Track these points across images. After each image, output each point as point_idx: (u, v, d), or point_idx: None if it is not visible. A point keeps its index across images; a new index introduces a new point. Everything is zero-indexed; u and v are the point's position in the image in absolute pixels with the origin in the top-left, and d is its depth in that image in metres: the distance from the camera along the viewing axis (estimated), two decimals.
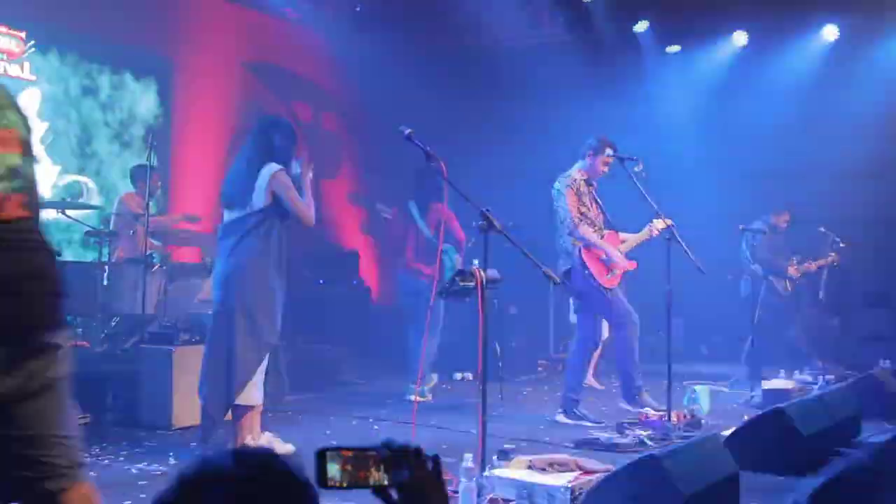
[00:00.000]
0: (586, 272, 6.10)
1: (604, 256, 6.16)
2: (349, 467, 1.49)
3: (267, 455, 1.37)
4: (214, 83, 9.47)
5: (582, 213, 6.18)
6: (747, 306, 7.97)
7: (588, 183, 6.31)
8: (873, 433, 5.31)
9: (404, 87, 10.11)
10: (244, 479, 1.32)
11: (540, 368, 9.28)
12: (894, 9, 9.06)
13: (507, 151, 10.27)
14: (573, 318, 8.19)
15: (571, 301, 8.45)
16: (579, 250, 6.12)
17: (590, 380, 8.08)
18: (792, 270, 8.22)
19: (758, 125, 9.57)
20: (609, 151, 6.22)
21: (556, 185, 6.26)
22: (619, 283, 6.34)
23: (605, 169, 6.29)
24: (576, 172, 6.28)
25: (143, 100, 9.27)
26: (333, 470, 1.49)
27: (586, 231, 6.10)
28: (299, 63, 10.30)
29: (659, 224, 6.26)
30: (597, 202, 6.37)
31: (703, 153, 9.88)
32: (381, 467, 1.50)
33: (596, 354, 8.17)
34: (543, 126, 9.91)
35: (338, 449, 1.51)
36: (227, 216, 5.00)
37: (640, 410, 5.95)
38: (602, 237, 6.24)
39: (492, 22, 10.38)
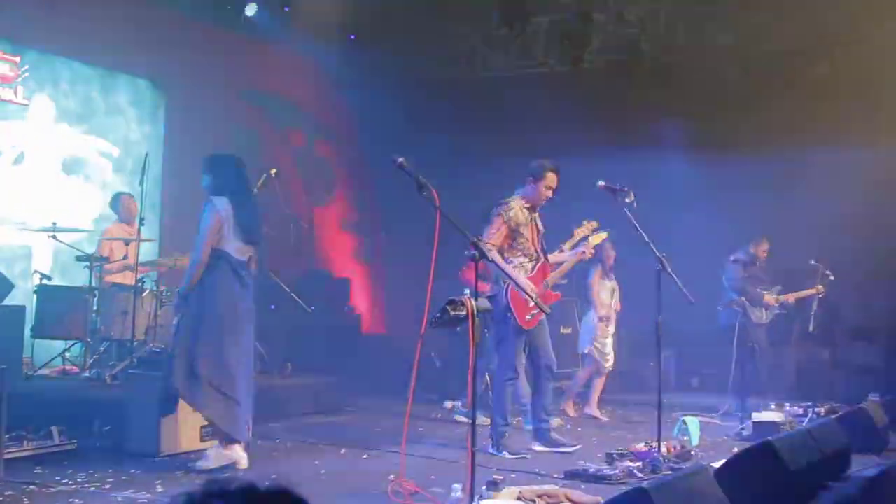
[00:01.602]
0: (509, 314, 5.97)
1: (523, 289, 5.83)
2: None
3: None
4: (210, 110, 9.47)
5: (515, 242, 6.00)
6: (729, 336, 7.97)
7: (531, 210, 6.13)
8: (862, 467, 5.30)
9: (398, 115, 10.16)
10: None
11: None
12: None
13: (500, 180, 10.28)
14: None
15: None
16: (508, 286, 5.96)
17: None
18: (768, 299, 8.20)
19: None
20: (552, 176, 6.07)
21: (492, 211, 6.10)
22: (540, 324, 6.16)
23: (549, 194, 6.11)
24: (514, 201, 6.07)
25: (137, 126, 9.29)
26: None
27: (496, 257, 5.74)
28: (293, 90, 10.34)
29: (594, 241, 6.36)
30: (538, 230, 6.21)
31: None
32: None
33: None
34: (536, 155, 9.93)
35: None
36: (249, 252, 5.10)
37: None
38: (534, 268, 6.07)
39: (484, 52, 10.47)
